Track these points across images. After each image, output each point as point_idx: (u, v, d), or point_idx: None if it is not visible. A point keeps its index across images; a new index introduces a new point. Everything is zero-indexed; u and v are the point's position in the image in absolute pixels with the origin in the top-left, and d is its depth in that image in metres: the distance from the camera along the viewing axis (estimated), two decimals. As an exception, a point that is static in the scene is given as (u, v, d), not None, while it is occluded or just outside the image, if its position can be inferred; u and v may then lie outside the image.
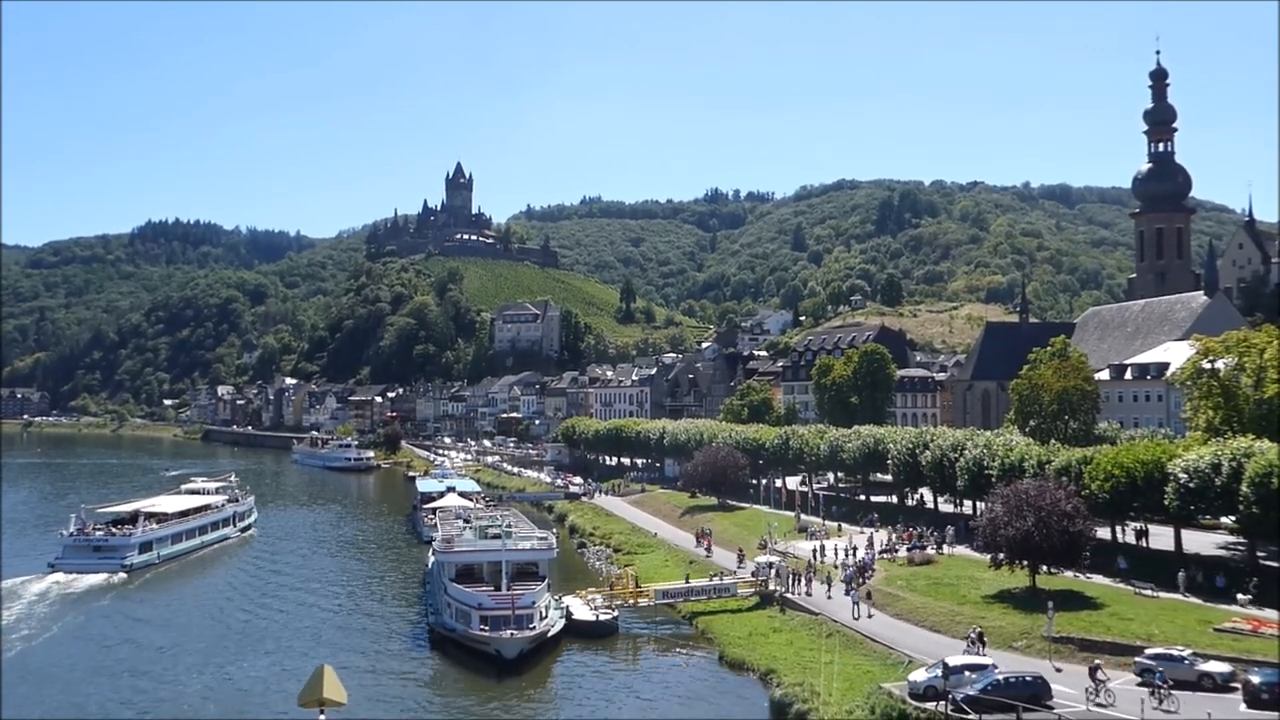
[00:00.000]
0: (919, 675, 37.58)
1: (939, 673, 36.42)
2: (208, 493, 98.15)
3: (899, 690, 37.20)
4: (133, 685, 45.86)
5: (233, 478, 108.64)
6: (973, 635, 41.59)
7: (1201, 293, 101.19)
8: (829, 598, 54.12)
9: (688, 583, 58.92)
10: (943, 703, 35.19)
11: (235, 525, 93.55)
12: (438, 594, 57.25)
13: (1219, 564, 51.23)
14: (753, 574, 59.21)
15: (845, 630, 48.14)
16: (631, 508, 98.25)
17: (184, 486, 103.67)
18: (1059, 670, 38.88)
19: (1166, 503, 49.96)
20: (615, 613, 55.00)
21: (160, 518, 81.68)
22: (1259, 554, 50.11)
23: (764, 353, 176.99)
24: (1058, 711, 33.98)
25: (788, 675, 42.06)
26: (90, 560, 72.71)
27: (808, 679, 40.56)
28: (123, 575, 71.58)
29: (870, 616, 49.04)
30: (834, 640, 45.21)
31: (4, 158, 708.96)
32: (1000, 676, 35.78)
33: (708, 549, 72.31)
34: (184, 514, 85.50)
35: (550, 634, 51.20)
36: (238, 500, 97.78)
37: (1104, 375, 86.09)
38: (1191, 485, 48.39)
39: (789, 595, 55.47)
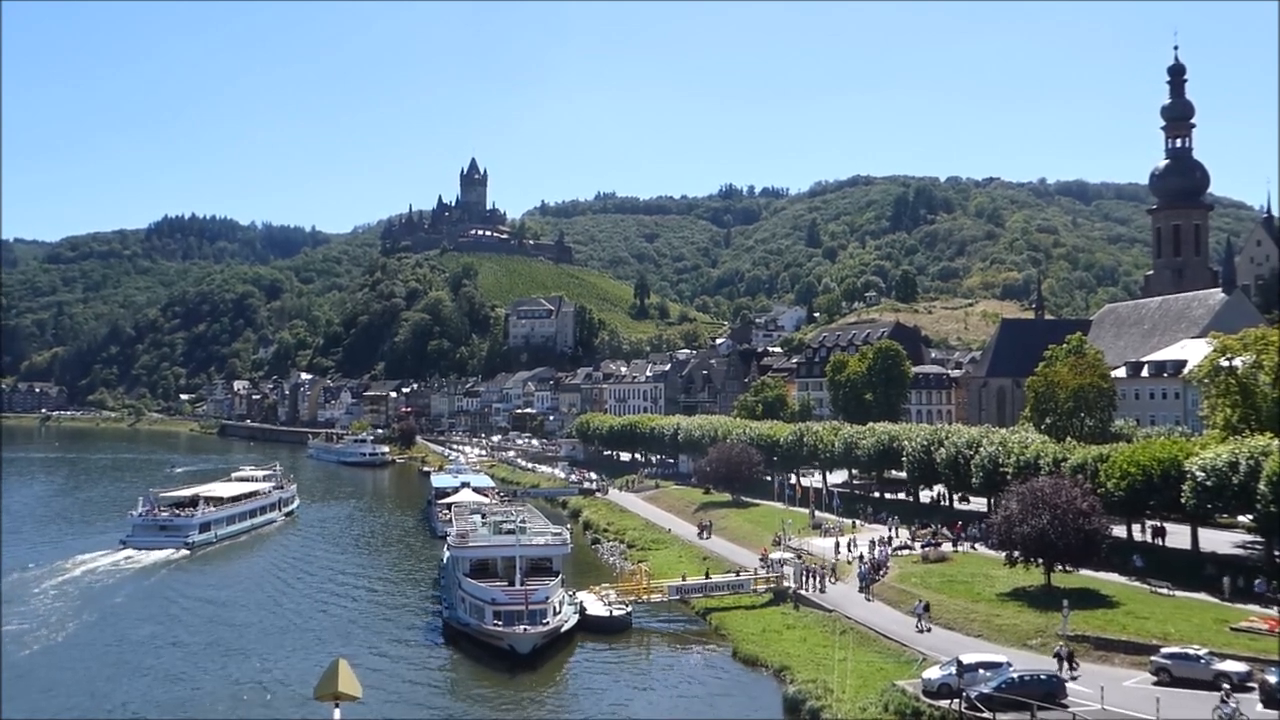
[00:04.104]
0: (933, 673, 37.52)
1: (953, 670, 36.35)
2: (256, 480, 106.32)
3: (913, 688, 37.15)
4: (167, 657, 49.00)
5: (277, 466, 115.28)
6: (1062, 653, 39.45)
7: (1219, 290, 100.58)
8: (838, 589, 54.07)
9: (707, 577, 59.03)
10: (957, 700, 35.11)
11: (280, 510, 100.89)
12: (452, 589, 57.58)
13: (1236, 563, 50.89)
14: (767, 571, 59.23)
15: (858, 627, 48.15)
16: (645, 504, 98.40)
17: (234, 474, 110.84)
18: (1074, 671, 38.61)
19: (1183, 501, 49.65)
20: (629, 608, 55.17)
21: (217, 501, 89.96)
22: (1276, 553, 49.74)
23: (778, 349, 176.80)
24: (1073, 710, 33.84)
25: (801, 672, 42.09)
26: (157, 538, 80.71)
27: (821, 676, 40.59)
28: (185, 552, 79.38)
29: (928, 630, 46.76)
30: (848, 638, 45.26)
31: (17, 153, 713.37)
32: (1015, 674, 35.67)
33: (707, 537, 74.96)
34: (237, 499, 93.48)
35: (564, 629, 51.41)
36: (283, 487, 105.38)
37: (1120, 373, 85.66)
38: (1209, 484, 48.06)
39: (803, 592, 55.51)
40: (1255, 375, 57.40)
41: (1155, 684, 36.67)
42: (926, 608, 47.75)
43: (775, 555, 61.52)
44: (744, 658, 47.12)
